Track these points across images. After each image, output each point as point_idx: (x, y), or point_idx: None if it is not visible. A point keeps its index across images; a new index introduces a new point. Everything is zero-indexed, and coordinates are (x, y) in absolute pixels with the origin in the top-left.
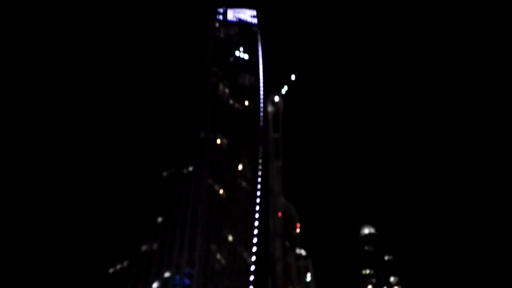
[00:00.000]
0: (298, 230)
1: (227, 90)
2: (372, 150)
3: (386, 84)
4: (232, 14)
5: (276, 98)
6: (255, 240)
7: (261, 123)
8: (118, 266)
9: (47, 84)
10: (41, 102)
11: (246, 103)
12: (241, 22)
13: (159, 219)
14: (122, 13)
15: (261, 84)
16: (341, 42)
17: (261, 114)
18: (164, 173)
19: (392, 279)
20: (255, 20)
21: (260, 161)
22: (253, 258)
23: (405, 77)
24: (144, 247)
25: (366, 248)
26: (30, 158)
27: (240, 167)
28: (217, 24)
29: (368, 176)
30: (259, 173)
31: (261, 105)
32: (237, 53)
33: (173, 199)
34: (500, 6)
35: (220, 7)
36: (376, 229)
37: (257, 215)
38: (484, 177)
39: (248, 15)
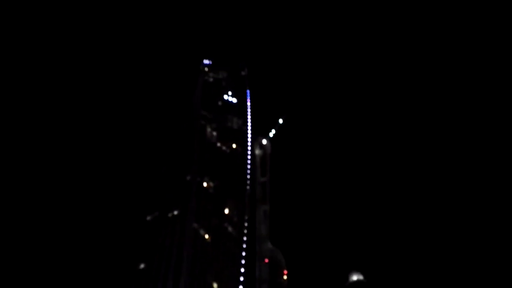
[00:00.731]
0: (285, 277)
1: (215, 133)
2: (361, 195)
3: (376, 129)
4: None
5: (264, 142)
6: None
7: (249, 166)
8: None
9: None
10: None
11: (234, 146)
12: (230, 67)
13: (141, 265)
14: (108, 53)
15: (249, 128)
16: (330, 86)
17: (249, 157)
18: (148, 217)
19: None
20: (244, 65)
21: (247, 205)
22: None
23: (393, 122)
24: None
25: None
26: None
27: (226, 211)
28: (206, 68)
29: (357, 222)
30: (246, 217)
31: (249, 148)
32: (225, 96)
33: (156, 244)
34: (500, 6)
35: (208, 58)
36: (365, 276)
37: (243, 261)
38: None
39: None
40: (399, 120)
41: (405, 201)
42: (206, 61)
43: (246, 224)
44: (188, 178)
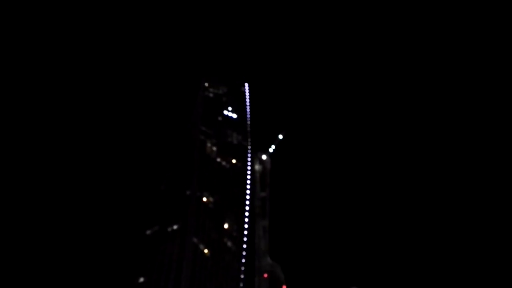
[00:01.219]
0: None
1: (214, 148)
2: (361, 210)
3: (377, 144)
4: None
5: (264, 157)
6: None
7: (248, 182)
8: None
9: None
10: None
11: (234, 161)
12: (230, 82)
13: (141, 279)
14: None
15: (249, 143)
16: (330, 101)
17: (248, 172)
18: (148, 231)
19: None
20: (244, 80)
21: (246, 220)
22: None
23: (393, 138)
24: None
25: None
26: None
27: (226, 225)
28: (206, 84)
29: (357, 238)
30: (245, 232)
31: (249, 163)
32: (225, 112)
33: (156, 258)
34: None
35: (209, 75)
36: None
37: (242, 276)
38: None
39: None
40: (399, 136)
41: (405, 215)
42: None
43: (245, 239)
44: (188, 193)
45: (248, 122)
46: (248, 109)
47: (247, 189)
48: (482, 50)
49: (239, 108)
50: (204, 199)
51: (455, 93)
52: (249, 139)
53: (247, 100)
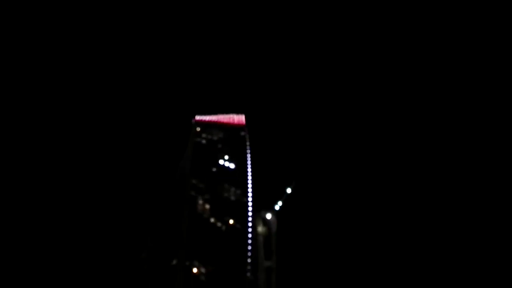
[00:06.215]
0: None
1: (207, 206)
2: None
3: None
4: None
5: (268, 216)
6: None
7: (250, 248)
8: None
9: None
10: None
11: (231, 222)
12: (227, 126)
13: None
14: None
15: (250, 199)
16: (347, 147)
17: (250, 236)
18: None
19: None
20: (243, 123)
21: None
22: None
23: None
24: None
25: None
26: None
27: None
28: (198, 128)
29: None
30: None
31: (250, 224)
32: (221, 161)
33: None
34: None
35: (204, 114)
36: None
37: None
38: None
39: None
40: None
41: (414, 250)
42: (198, 118)
43: None
44: (174, 262)
45: (249, 173)
46: (249, 158)
47: (247, 257)
48: (482, 50)
49: (237, 156)
50: (195, 270)
51: (456, 93)
52: (250, 194)
53: (248, 146)
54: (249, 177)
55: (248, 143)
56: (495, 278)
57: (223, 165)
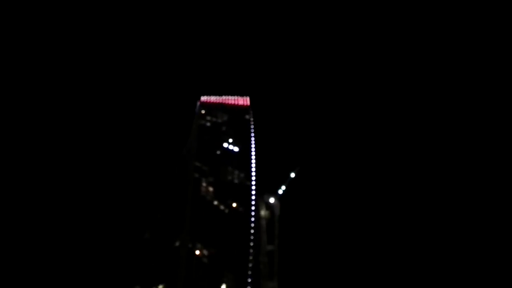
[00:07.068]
0: None
1: (211, 189)
2: (390, 268)
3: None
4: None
5: (272, 200)
6: None
7: (252, 231)
8: None
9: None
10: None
11: (234, 205)
12: (231, 108)
13: None
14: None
15: (253, 183)
16: (348, 130)
17: (252, 219)
18: None
19: None
20: (248, 106)
21: (249, 280)
22: None
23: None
24: None
25: None
26: None
27: (223, 287)
28: (203, 111)
29: None
30: None
31: (253, 208)
32: (225, 144)
33: None
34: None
35: (209, 94)
36: None
37: None
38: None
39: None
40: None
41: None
42: (203, 98)
43: None
44: (177, 244)
45: (253, 157)
46: (253, 141)
47: (250, 240)
48: (482, 50)
49: (241, 139)
50: (197, 252)
51: (455, 93)
52: (254, 178)
53: (252, 129)
54: (253, 161)
55: (252, 126)
56: (495, 278)
57: (227, 148)
